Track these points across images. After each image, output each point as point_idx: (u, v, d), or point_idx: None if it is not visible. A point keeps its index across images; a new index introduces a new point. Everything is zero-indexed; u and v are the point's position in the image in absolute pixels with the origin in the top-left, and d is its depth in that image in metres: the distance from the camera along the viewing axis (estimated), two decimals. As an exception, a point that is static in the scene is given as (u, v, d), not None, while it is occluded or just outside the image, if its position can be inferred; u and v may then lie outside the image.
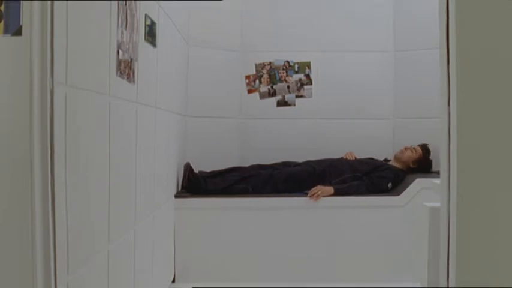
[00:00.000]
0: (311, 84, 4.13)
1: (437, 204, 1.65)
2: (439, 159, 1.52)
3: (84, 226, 1.68)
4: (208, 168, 3.79)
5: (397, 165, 3.76)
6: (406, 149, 3.80)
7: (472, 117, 1.40)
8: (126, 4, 2.09)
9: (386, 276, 3.43)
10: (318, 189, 3.46)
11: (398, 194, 3.50)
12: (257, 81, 4.13)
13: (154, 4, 2.63)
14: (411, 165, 3.77)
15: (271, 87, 4.13)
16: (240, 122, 4.13)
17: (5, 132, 1.37)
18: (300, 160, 3.82)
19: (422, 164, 3.78)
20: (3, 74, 1.36)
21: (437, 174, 1.71)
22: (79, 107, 1.62)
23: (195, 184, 3.48)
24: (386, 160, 3.92)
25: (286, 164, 3.77)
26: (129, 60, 2.17)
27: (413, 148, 3.82)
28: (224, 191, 3.50)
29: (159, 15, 2.73)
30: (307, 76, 4.13)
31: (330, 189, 3.47)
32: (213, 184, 3.52)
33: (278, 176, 3.57)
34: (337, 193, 3.47)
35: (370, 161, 3.80)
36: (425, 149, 3.81)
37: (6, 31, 1.36)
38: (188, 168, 3.50)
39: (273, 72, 4.13)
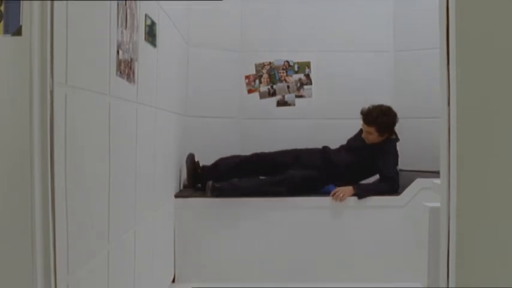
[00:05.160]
0: (311, 84, 4.13)
1: (437, 204, 1.65)
2: (439, 159, 1.52)
3: (84, 226, 1.68)
4: (208, 168, 3.80)
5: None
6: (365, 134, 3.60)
7: (472, 117, 1.40)
8: (126, 4, 2.09)
9: (387, 276, 3.43)
10: (341, 191, 3.45)
11: (398, 194, 3.50)
12: (257, 81, 4.13)
13: (154, 4, 2.63)
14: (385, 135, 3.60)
15: (271, 87, 4.13)
16: (240, 122, 4.13)
17: (5, 132, 1.37)
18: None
19: (386, 126, 3.57)
20: (3, 74, 1.36)
21: (437, 174, 1.70)
22: (79, 107, 1.62)
23: (201, 175, 3.57)
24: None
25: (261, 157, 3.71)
26: (129, 60, 2.17)
27: (366, 128, 3.58)
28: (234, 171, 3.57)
29: (159, 15, 2.73)
30: (307, 76, 4.13)
31: (350, 190, 3.46)
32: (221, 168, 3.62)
33: (291, 181, 3.52)
34: (358, 194, 3.46)
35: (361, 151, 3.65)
36: (371, 120, 3.54)
37: (6, 31, 1.36)
38: (192, 160, 3.58)
39: (273, 72, 4.13)
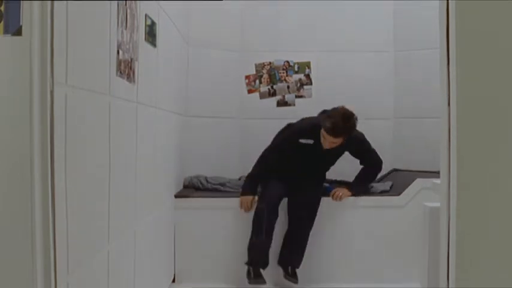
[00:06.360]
0: (311, 84, 4.13)
1: (437, 204, 1.65)
2: (439, 159, 1.52)
3: (84, 226, 1.68)
4: (208, 168, 3.80)
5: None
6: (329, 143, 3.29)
7: (472, 117, 1.40)
8: (126, 4, 2.09)
9: (387, 276, 3.42)
10: (340, 191, 3.46)
11: (399, 194, 3.50)
12: (257, 81, 4.13)
13: (154, 4, 2.63)
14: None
15: (271, 87, 4.13)
16: (240, 122, 4.12)
17: (5, 132, 1.37)
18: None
19: (352, 130, 3.25)
20: (3, 74, 1.36)
21: (437, 174, 1.70)
22: (79, 107, 1.62)
23: None
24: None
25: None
26: (129, 60, 2.17)
27: (333, 139, 3.24)
28: None
29: (159, 15, 2.73)
30: (307, 76, 4.13)
31: (348, 191, 3.47)
32: None
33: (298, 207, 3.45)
34: (356, 193, 3.48)
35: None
36: (331, 127, 3.18)
37: (6, 31, 1.36)
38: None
39: (273, 72, 4.13)
